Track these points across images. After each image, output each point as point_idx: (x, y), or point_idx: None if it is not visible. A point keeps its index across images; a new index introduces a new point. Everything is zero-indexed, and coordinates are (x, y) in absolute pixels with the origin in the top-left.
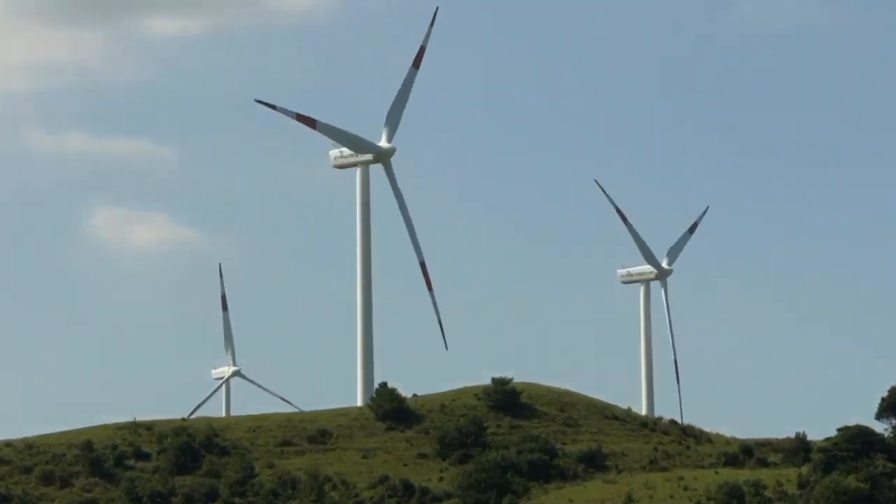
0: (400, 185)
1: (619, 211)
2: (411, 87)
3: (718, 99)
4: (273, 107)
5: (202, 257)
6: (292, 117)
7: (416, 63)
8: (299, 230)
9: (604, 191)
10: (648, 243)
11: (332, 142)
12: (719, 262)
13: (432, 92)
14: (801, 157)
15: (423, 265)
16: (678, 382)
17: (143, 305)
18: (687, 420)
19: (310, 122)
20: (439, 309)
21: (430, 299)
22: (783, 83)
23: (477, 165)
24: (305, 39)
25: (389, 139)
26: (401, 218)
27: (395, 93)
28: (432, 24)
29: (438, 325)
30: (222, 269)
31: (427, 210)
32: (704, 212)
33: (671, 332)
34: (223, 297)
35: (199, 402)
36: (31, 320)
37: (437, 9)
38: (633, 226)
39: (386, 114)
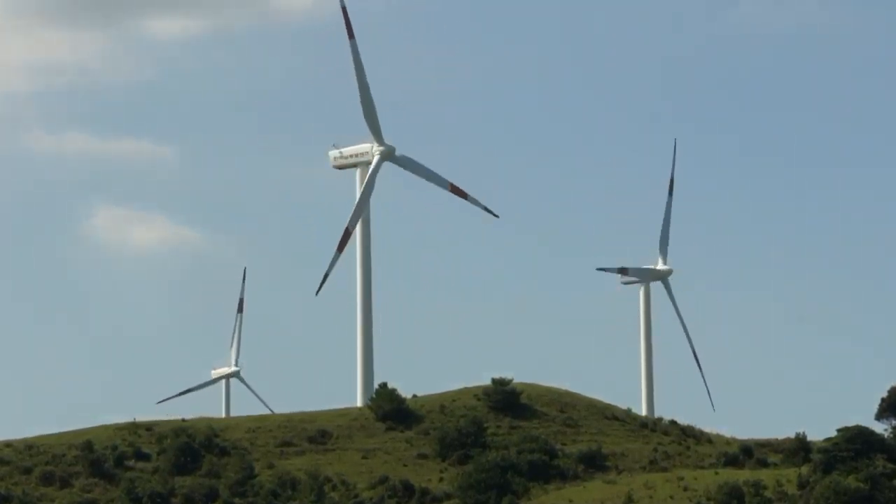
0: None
1: (622, 270)
2: (360, 59)
3: (718, 98)
4: (326, 277)
5: (202, 257)
6: (338, 257)
7: (350, 33)
8: (299, 230)
9: (606, 270)
10: (648, 243)
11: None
12: (719, 262)
13: (431, 91)
14: (801, 156)
15: (453, 187)
16: (703, 377)
17: (143, 305)
18: (684, 420)
19: (346, 237)
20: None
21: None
22: (783, 83)
23: (476, 165)
24: (305, 39)
25: (379, 140)
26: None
27: (409, 108)
28: None
29: (486, 210)
30: (246, 273)
31: (426, 210)
32: (674, 150)
33: (685, 329)
34: (241, 301)
35: (186, 389)
36: (31, 320)
37: None
38: (635, 268)
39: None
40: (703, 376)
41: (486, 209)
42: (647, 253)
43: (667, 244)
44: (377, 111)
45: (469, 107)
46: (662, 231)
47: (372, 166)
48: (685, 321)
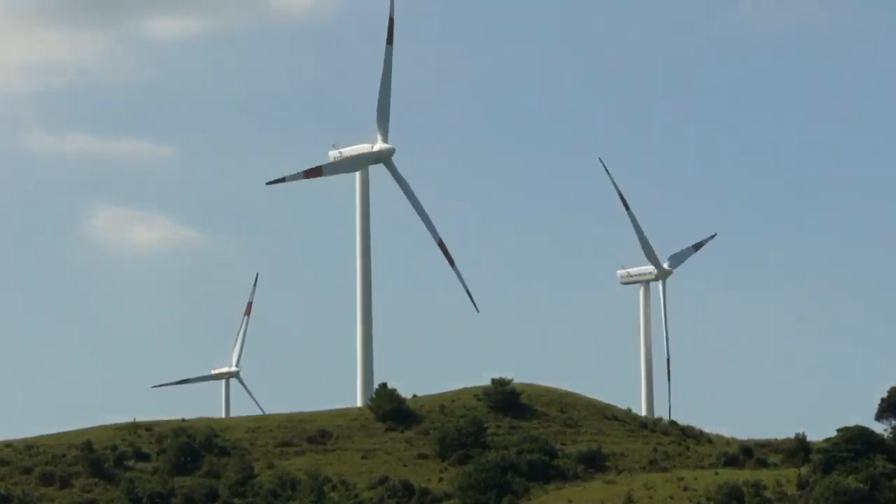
0: (399, 185)
1: (621, 196)
2: (391, 68)
3: (717, 99)
4: (282, 180)
5: (202, 258)
6: (300, 178)
7: (390, 38)
8: (299, 231)
9: (608, 172)
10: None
11: (336, 149)
12: (719, 262)
13: (431, 91)
14: (800, 156)
15: (441, 243)
16: (669, 381)
17: (142, 306)
18: (684, 420)
19: (316, 172)
20: (464, 279)
21: (454, 274)
22: (783, 83)
23: (477, 165)
24: (306, 39)
25: (385, 138)
26: (410, 208)
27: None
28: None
29: (468, 296)
30: (258, 278)
31: (426, 210)
32: (712, 237)
33: (666, 331)
34: (250, 304)
35: (184, 379)
36: (31, 320)
37: None
38: (635, 215)
39: (376, 113)
40: (669, 380)
41: (469, 295)
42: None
43: (652, 251)
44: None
45: (468, 106)
46: (641, 242)
47: (391, 176)
48: (670, 324)
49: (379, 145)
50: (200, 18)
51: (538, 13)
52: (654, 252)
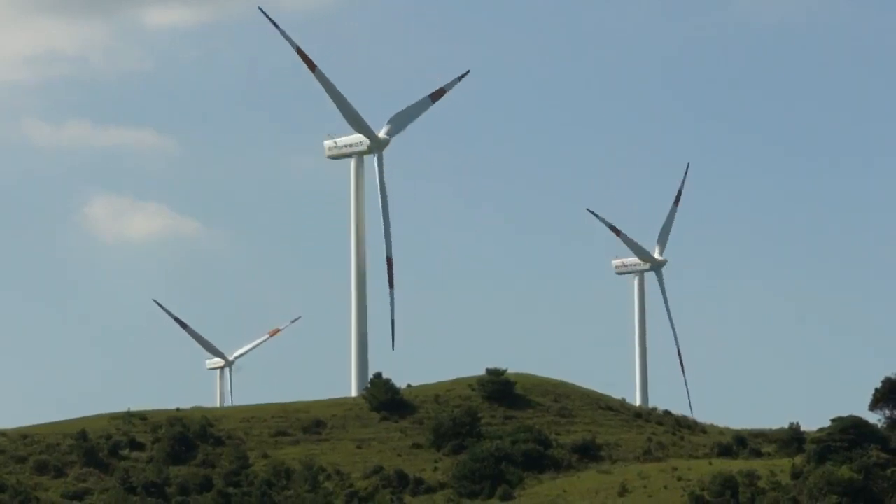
0: (394, 176)
1: (614, 229)
2: (421, 112)
3: (717, 92)
4: (276, 24)
5: (200, 247)
6: (294, 48)
7: (434, 98)
8: (295, 221)
9: (597, 216)
10: (646, 236)
11: (332, 105)
12: (713, 253)
13: (427, 81)
14: (798, 148)
15: (389, 260)
16: (683, 374)
17: (140, 295)
18: (695, 412)
19: (310, 65)
20: (395, 308)
21: (389, 297)
22: (779, 76)
23: (470, 157)
24: (304, 30)
25: (388, 133)
26: (380, 208)
27: (407, 103)
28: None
29: (391, 325)
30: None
31: (420, 202)
32: (686, 172)
33: (671, 323)
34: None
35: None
36: (27, 309)
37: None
38: (629, 235)
39: (393, 114)
40: (683, 374)
41: (392, 326)
42: (644, 245)
43: (666, 241)
44: (361, 115)
45: (462, 100)
46: (662, 230)
47: (376, 169)
48: (673, 315)
49: (379, 133)
50: (200, 9)
51: (535, 6)
52: (649, 254)
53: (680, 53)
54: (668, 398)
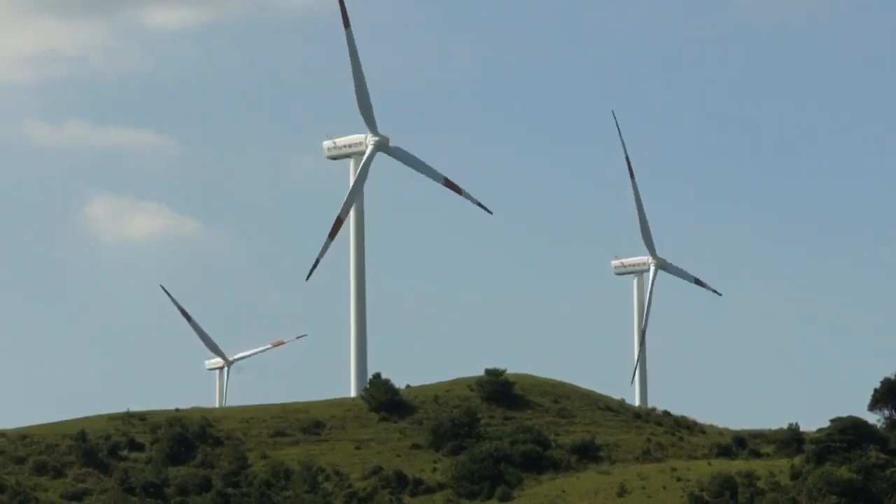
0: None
1: (627, 159)
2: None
3: (716, 92)
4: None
5: (200, 247)
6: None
7: (346, 22)
8: (294, 221)
9: (618, 126)
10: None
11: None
12: (713, 253)
13: (426, 82)
14: (798, 148)
15: (339, 219)
16: (643, 351)
17: (140, 296)
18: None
19: (346, 21)
20: (322, 256)
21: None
22: (776, 77)
23: (470, 157)
24: (304, 31)
25: (375, 128)
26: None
27: (407, 103)
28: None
29: (314, 263)
30: None
31: (419, 201)
32: (716, 292)
33: (647, 314)
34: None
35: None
36: (27, 309)
37: None
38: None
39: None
40: (636, 361)
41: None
42: (641, 243)
43: (650, 236)
44: (372, 101)
45: (462, 97)
46: (641, 222)
47: (366, 156)
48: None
49: (371, 138)
50: (201, 9)
51: (535, 5)
52: (650, 234)
53: (680, 53)
54: (668, 399)
